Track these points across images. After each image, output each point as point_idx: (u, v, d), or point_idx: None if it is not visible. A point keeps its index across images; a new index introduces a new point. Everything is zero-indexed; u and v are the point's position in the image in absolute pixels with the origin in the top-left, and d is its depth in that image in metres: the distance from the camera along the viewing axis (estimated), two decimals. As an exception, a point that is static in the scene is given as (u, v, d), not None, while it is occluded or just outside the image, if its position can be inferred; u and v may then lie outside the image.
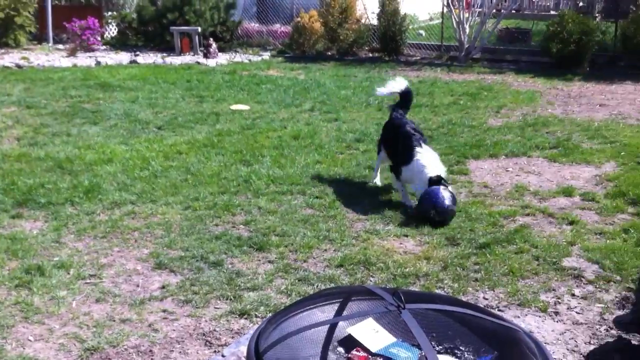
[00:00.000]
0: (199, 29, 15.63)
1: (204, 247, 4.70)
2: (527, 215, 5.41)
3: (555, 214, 5.40)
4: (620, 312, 3.83)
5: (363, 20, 15.90)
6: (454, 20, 14.56)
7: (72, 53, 14.72)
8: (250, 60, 14.91)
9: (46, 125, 8.25)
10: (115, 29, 17.32)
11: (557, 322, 3.75)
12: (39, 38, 16.68)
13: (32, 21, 16.00)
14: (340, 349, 2.81)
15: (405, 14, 15.25)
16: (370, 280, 4.22)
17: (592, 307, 3.91)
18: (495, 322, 2.65)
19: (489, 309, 3.59)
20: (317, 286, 4.11)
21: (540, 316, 3.81)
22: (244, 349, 2.79)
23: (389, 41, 15.19)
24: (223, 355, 3.09)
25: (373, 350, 2.72)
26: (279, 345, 2.46)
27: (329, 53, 15.85)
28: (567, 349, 3.47)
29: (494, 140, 7.72)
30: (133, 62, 14.06)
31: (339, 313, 2.72)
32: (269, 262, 4.50)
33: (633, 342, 3.52)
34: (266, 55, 15.68)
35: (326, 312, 2.80)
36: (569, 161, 6.91)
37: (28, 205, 5.47)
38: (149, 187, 5.94)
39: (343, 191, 5.94)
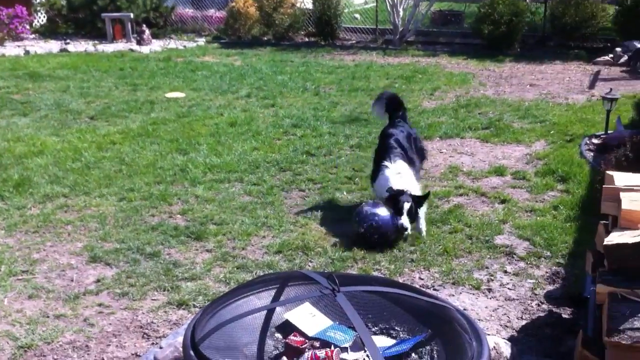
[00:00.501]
0: (132, 15, 15.29)
1: (140, 238, 4.63)
2: (461, 195, 5.53)
3: (488, 193, 5.54)
4: (550, 287, 3.98)
5: (298, 5, 15.82)
6: (388, 3, 14.65)
7: (-1, 43, 14.22)
8: (185, 46, 14.68)
9: (-28, 117, 7.97)
10: (44, 17, 16.74)
11: (490, 299, 3.87)
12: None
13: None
14: (278, 335, 2.84)
15: (340, -3, 15.26)
16: (309, 265, 4.25)
17: (524, 283, 4.04)
18: (429, 301, 2.72)
19: (423, 289, 3.68)
20: (255, 273, 4.12)
21: (474, 294, 3.92)
22: (181, 340, 2.77)
23: (324, 25, 15.18)
24: (160, 347, 3.07)
25: (310, 334, 2.75)
26: (215, 333, 2.46)
27: (265, 38, 15.73)
28: (501, 325, 3.59)
29: (428, 122, 7.84)
30: (63, 50, 13.67)
31: (275, 299, 2.74)
32: (207, 251, 4.48)
33: (564, 315, 3.66)
34: (201, 41, 15.46)
35: (263, 298, 2.81)
36: (500, 141, 7.09)
37: (-46, 201, 5.29)
38: (82, 179, 5.81)
39: (281, 177, 5.95)
